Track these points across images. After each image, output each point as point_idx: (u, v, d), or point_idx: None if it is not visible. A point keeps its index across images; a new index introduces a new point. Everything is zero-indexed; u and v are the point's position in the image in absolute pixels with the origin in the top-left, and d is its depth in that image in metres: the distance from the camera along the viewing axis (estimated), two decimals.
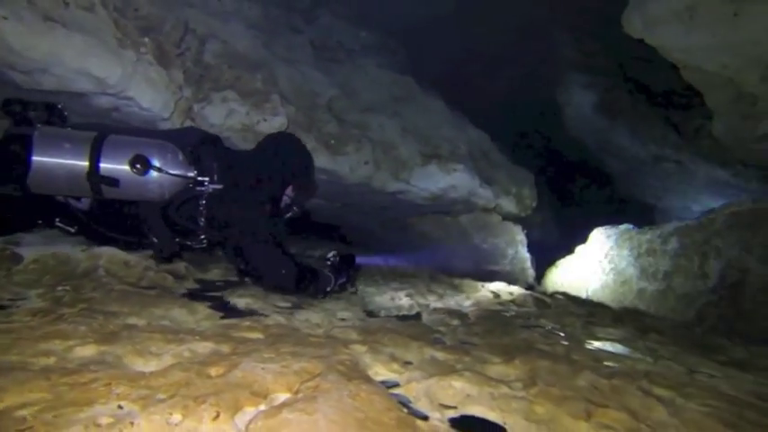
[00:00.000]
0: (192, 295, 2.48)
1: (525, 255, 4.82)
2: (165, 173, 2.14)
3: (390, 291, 3.34)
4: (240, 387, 1.22)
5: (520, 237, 4.73)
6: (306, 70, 4.24)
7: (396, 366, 1.67)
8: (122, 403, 1.01)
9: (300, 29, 4.85)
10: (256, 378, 1.27)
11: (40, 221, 2.37)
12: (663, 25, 3.00)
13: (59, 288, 1.94)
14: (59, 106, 2.18)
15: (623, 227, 4.86)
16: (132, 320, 1.79)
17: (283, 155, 2.61)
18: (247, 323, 1.97)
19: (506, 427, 1.32)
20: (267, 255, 2.36)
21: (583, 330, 2.72)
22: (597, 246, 4.92)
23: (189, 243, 2.50)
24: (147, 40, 2.67)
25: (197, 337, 1.63)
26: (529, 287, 4.47)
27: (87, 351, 1.28)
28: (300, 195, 2.74)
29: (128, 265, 2.55)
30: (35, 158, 1.99)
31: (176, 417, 1.02)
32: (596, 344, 2.40)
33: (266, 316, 2.25)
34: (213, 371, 1.33)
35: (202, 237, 2.46)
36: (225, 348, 1.55)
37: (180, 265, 2.92)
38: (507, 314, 2.95)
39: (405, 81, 4.83)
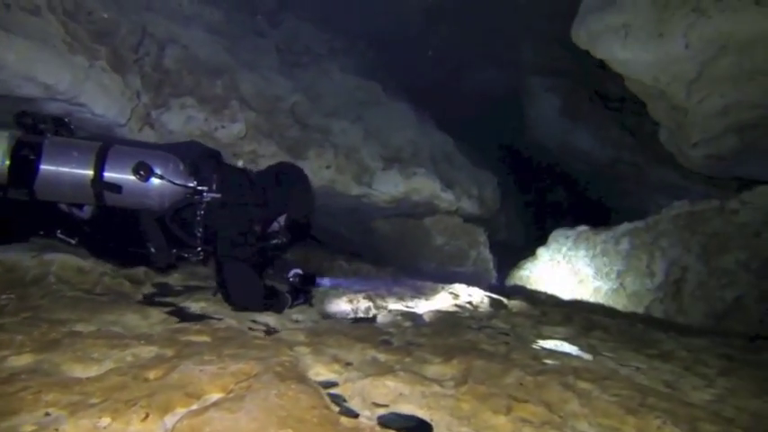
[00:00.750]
0: (149, 300, 2.50)
1: (488, 256, 4.97)
2: (166, 181, 2.23)
3: (350, 293, 3.42)
4: (175, 389, 1.28)
5: (482, 238, 4.87)
6: (269, 75, 4.27)
7: (336, 367, 1.75)
8: (50, 410, 1.05)
9: (265, 33, 4.88)
10: (192, 380, 1.33)
11: (41, 232, 2.44)
12: (603, 39, 3.18)
13: (3, 297, 1.94)
14: (66, 120, 2.29)
15: (580, 228, 5.05)
16: (79, 327, 1.81)
17: (285, 183, 2.68)
18: (197, 327, 2.01)
19: (432, 423, 1.41)
20: (239, 274, 2.41)
21: (531, 330, 2.85)
22: (556, 247, 5.11)
23: (186, 255, 2.55)
24: (100, 45, 2.66)
25: (143, 342, 1.68)
26: (491, 288, 4.61)
27: (22, 360, 1.31)
28: (291, 227, 2.79)
29: (82, 272, 2.55)
30: (43, 166, 2.09)
31: (105, 420, 1.07)
32: (541, 342, 2.53)
33: (219, 320, 2.29)
34: (152, 374, 1.39)
35: (199, 249, 2.51)
36: (169, 352, 1.60)
37: (139, 271, 2.93)
38: (461, 315, 3.07)
39: (369, 85, 4.92)
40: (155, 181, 2.22)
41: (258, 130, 3.73)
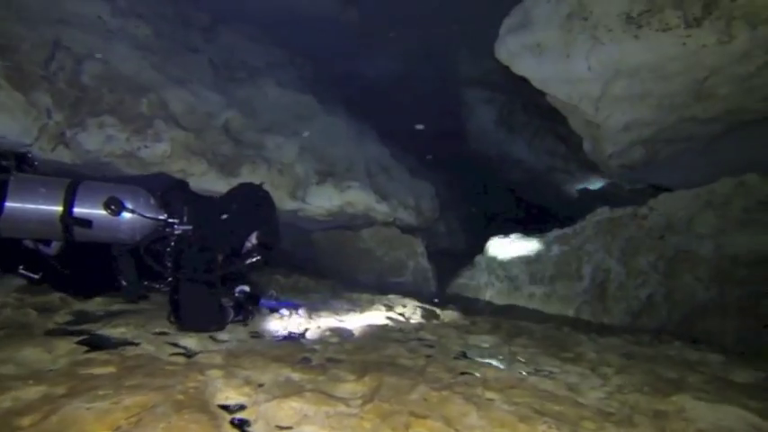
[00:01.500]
0: (60, 330, 2.39)
1: (426, 266, 5.08)
2: (137, 214, 2.26)
3: (284, 308, 3.39)
4: None
5: (420, 248, 4.97)
6: (201, 91, 4.20)
7: (247, 390, 1.74)
8: None
9: (199, 48, 4.79)
10: (76, 421, 1.29)
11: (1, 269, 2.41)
12: (521, 58, 3.36)
13: None
14: (29, 155, 2.28)
15: (514, 236, 5.27)
16: None
17: (250, 204, 2.75)
18: (105, 357, 1.94)
19: None
20: (194, 297, 2.43)
21: (457, 341, 2.92)
22: (492, 254, 5.29)
23: (156, 285, 2.56)
24: None
25: (30, 382, 1.60)
26: (429, 298, 4.71)
27: None
28: (262, 244, 2.84)
29: None
30: (8, 203, 2.06)
31: None
32: (465, 352, 2.61)
33: (137, 345, 2.22)
34: (27, 420, 1.32)
35: (170, 279, 2.49)
36: (59, 390, 1.53)
37: (53, 297, 2.79)
38: (391, 328, 3.12)
39: (306, 100, 4.93)
40: (126, 215, 2.26)
41: (187, 148, 3.66)
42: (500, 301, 5.13)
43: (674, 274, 4.12)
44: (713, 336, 3.90)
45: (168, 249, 2.44)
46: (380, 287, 4.57)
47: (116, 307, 2.97)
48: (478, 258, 5.35)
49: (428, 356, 2.41)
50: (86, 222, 2.17)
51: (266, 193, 2.90)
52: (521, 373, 2.27)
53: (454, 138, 7.67)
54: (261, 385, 1.80)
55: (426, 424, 1.53)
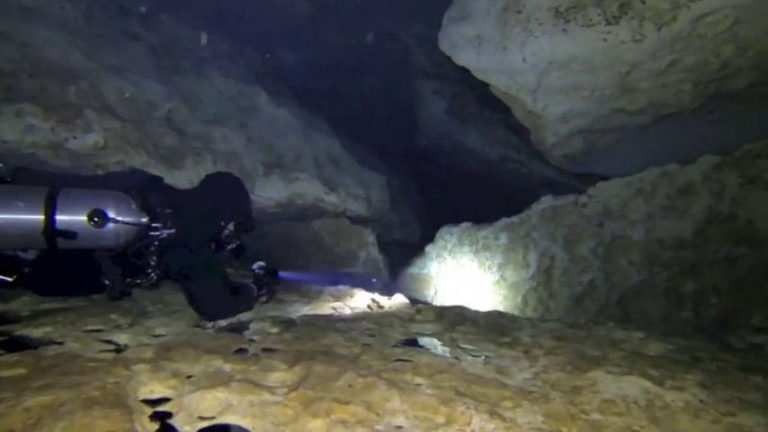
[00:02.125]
0: None
1: (377, 256, 5.12)
2: (120, 223, 2.30)
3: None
4: None
5: (370, 239, 5.01)
6: (141, 81, 4.04)
7: (173, 382, 1.72)
8: None
9: (138, 35, 4.59)
10: None
11: None
12: (461, 49, 3.42)
13: None
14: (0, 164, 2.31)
15: (463, 225, 5.39)
16: None
17: (223, 194, 2.85)
18: (16, 358, 1.86)
19: (253, 431, 1.45)
20: (204, 290, 2.61)
21: (398, 329, 2.97)
22: (442, 243, 5.40)
23: (138, 281, 2.59)
24: None
25: None
26: (379, 288, 4.75)
27: None
28: (239, 229, 2.96)
29: None
30: None
31: None
32: (403, 340, 2.66)
33: (60, 344, 2.14)
34: None
35: (152, 274, 2.55)
36: None
37: None
38: (334, 318, 3.14)
39: (252, 91, 4.83)
40: (110, 224, 2.27)
41: (125, 139, 3.51)
42: (450, 289, 5.24)
43: (612, 258, 4.34)
44: (645, 315, 4.16)
45: (152, 249, 2.50)
46: (333, 278, 4.57)
47: (45, 306, 2.85)
48: (428, 248, 5.44)
49: (366, 345, 2.44)
50: (71, 234, 2.18)
51: (237, 179, 3.02)
52: (455, 358, 2.34)
53: (407, 129, 7.73)
54: (189, 377, 1.79)
55: (348, 409, 1.56)
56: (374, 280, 4.61)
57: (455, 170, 8.54)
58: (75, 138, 3.00)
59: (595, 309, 4.40)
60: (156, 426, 1.41)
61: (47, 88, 3.06)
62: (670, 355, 2.51)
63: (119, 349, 2.14)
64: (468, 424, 1.49)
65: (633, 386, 1.77)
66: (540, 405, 1.64)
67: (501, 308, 4.89)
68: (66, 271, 2.53)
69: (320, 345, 2.36)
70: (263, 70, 5.92)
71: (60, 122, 2.98)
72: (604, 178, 4.50)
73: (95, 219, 2.22)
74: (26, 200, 2.13)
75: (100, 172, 3.33)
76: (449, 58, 3.75)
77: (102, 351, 2.10)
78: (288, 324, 2.86)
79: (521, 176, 7.67)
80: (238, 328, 2.73)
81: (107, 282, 2.52)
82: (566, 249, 4.55)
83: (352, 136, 6.26)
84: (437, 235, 5.44)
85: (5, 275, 2.32)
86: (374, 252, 5.00)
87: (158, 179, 2.78)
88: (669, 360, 2.37)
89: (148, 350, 2.08)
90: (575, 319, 3.86)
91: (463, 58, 3.43)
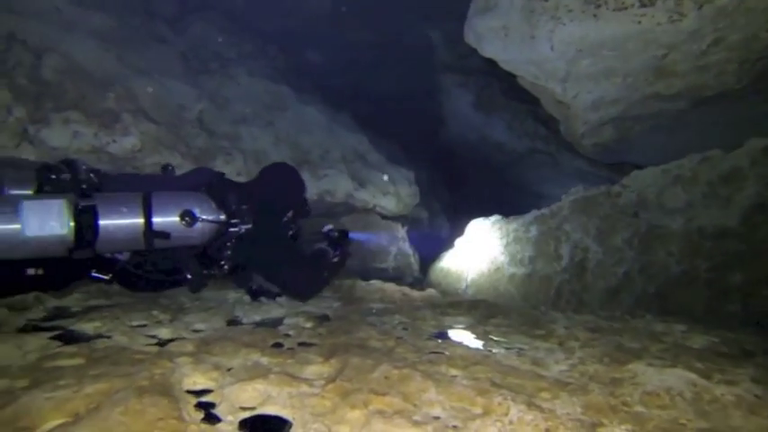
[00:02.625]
0: (33, 327, 2.41)
1: (408, 251, 5.13)
2: (206, 222, 2.51)
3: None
4: (5, 424, 1.26)
5: (401, 234, 5.01)
6: (172, 84, 4.16)
7: (215, 374, 1.78)
8: None
9: (167, 38, 4.73)
10: (32, 410, 1.31)
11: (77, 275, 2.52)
12: (487, 40, 3.37)
13: None
14: (96, 169, 2.38)
15: (494, 218, 5.33)
16: None
17: (283, 184, 3.10)
18: (73, 350, 1.97)
19: (292, 421, 1.48)
20: (298, 276, 2.88)
21: (431, 322, 2.97)
22: (473, 237, 5.35)
23: (214, 272, 2.79)
24: None
25: None
26: (413, 282, 4.76)
27: None
28: (298, 216, 3.18)
29: None
30: (102, 223, 2.22)
31: None
32: (436, 333, 2.66)
33: (108, 338, 2.25)
34: None
35: (225, 266, 2.76)
36: (21, 383, 1.56)
37: (28, 297, 2.81)
38: (367, 312, 3.16)
39: (278, 90, 4.91)
40: (198, 223, 2.48)
41: (159, 141, 3.64)
42: (482, 282, 5.20)
43: (648, 249, 4.21)
44: (685, 307, 4.01)
45: (228, 244, 2.69)
46: (364, 273, 4.61)
47: (93, 302, 3.00)
48: (458, 241, 5.41)
49: (399, 338, 2.45)
50: (165, 234, 2.39)
51: (293, 168, 3.24)
52: (489, 350, 2.33)
53: (433, 123, 7.68)
54: (229, 370, 1.84)
55: (385, 400, 1.57)
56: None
57: (482, 163, 8.45)
58: (114, 142, 3.13)
59: (631, 301, 4.27)
60: (201, 414, 1.46)
61: (87, 95, 3.20)
62: (716, 348, 2.42)
63: (161, 343, 2.22)
64: (506, 414, 1.48)
65: (678, 379, 1.71)
66: (578, 396, 1.61)
67: (533, 300, 4.82)
68: (155, 268, 2.67)
69: (354, 338, 2.39)
70: (286, 68, 6.00)
71: (101, 127, 3.12)
72: (639, 168, 4.37)
73: (186, 219, 2.41)
74: (128, 205, 2.32)
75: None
76: (473, 51, 3.71)
77: (146, 344, 2.18)
78: (321, 319, 2.91)
79: (550, 168, 7.52)
80: (273, 324, 2.80)
81: (189, 276, 2.68)
82: (599, 241, 4.43)
83: (378, 132, 6.26)
84: (467, 228, 5.40)
85: (103, 274, 2.48)
86: (405, 247, 5.01)
87: (221, 175, 2.88)
88: (715, 353, 2.29)
89: (189, 344, 2.15)
90: (610, 312, 3.75)
91: (490, 49, 3.39)
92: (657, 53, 2.87)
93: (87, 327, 2.39)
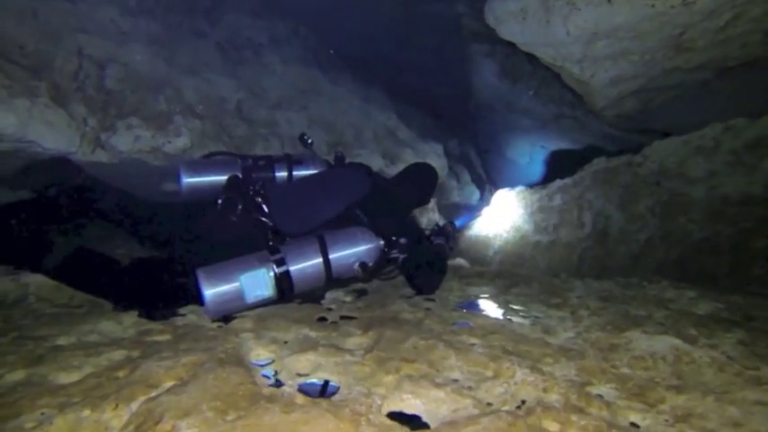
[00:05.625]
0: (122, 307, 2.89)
1: (438, 221, 5.43)
2: (372, 267, 2.69)
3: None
4: (138, 383, 1.69)
5: (431, 204, 5.31)
6: (212, 77, 4.49)
7: (274, 347, 2.17)
8: (44, 411, 1.47)
9: (205, 32, 5.02)
10: (152, 374, 1.75)
11: None
12: (506, 23, 3.50)
13: None
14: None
15: (518, 188, 5.52)
16: (61, 341, 2.19)
17: (418, 180, 3.31)
18: (161, 327, 2.42)
19: (339, 385, 1.87)
20: (429, 278, 3.10)
21: (457, 293, 3.30)
22: (498, 206, 5.58)
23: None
24: (39, 81, 2.90)
25: (114, 347, 2.09)
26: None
27: (16, 376, 1.71)
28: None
29: (58, 288, 2.92)
30: (292, 270, 2.51)
31: (86, 412, 1.49)
32: (460, 304, 2.99)
33: (183, 316, 2.70)
34: (121, 373, 1.80)
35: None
36: (135, 353, 2.01)
37: None
38: (399, 284, 3.52)
39: (311, 73, 5.16)
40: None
41: (205, 135, 4.02)
42: (507, 250, 5.47)
43: (670, 216, 4.34)
44: (707, 273, 4.17)
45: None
46: None
47: None
48: (485, 210, 5.65)
49: (427, 309, 2.79)
50: (336, 279, 2.65)
51: (433, 169, 3.38)
52: (508, 319, 2.64)
53: (462, 92, 7.74)
54: (285, 343, 2.24)
55: (413, 366, 1.93)
56: None
57: (510, 130, 8.49)
58: (169, 142, 3.52)
59: (654, 267, 4.46)
60: (267, 381, 1.86)
61: (144, 100, 3.58)
62: (718, 314, 2.64)
63: (226, 320, 2.65)
64: (513, 377, 1.81)
65: (663, 344, 2.00)
66: (575, 361, 1.93)
67: (557, 268, 5.07)
68: None
69: (388, 312, 2.74)
70: (317, 48, 6.19)
71: (157, 130, 3.51)
72: (666, 135, 4.43)
73: (362, 270, 2.63)
74: (310, 249, 2.58)
75: None
76: None
77: (214, 322, 2.62)
78: (359, 293, 3.29)
79: (577, 132, 7.51)
80: (316, 298, 3.20)
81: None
82: (621, 209, 4.59)
83: (409, 102, 6.44)
84: (493, 198, 5.63)
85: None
86: (435, 217, 5.32)
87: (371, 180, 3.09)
88: (715, 319, 2.52)
89: (248, 322, 2.55)
90: (630, 278, 3.97)
91: (508, 32, 3.51)
92: (674, 32, 2.95)
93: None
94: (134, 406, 1.55)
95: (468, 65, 7.16)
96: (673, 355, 1.92)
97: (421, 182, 3.30)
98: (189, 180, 2.84)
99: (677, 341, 2.00)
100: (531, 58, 7.27)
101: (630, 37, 2.99)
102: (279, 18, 6.05)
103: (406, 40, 7.34)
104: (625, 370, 1.84)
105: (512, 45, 7.29)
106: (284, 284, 2.52)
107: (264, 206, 2.78)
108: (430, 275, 3.10)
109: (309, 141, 3.12)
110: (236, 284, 2.42)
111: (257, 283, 2.48)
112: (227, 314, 2.50)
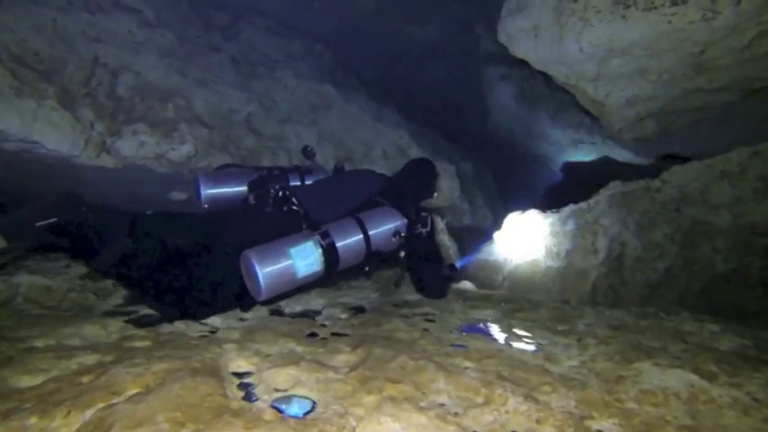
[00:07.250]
0: (113, 311, 2.84)
1: (447, 243, 5.27)
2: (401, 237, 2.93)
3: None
4: (101, 389, 1.60)
5: (441, 226, 5.16)
6: (223, 89, 4.53)
7: (256, 360, 2.07)
8: None
9: (220, 47, 5.10)
10: (118, 380, 1.65)
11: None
12: (518, 41, 3.42)
13: None
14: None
15: (530, 211, 5.34)
16: (38, 343, 2.12)
17: (424, 180, 3.61)
18: (144, 334, 2.33)
19: (317, 402, 1.74)
20: (434, 280, 3.33)
21: (459, 315, 3.14)
22: (509, 230, 5.40)
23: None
24: (48, 84, 2.94)
25: (89, 351, 2.00)
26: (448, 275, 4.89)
27: None
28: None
29: (49, 291, 2.88)
30: (339, 245, 2.69)
31: (32, 420, 1.39)
32: (461, 326, 2.83)
33: (171, 323, 2.61)
34: (86, 378, 1.71)
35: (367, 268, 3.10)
36: (109, 358, 1.92)
37: (107, 283, 3.27)
38: (399, 303, 3.38)
39: (322, 89, 5.16)
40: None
41: (211, 145, 4.01)
42: (518, 274, 5.25)
43: (692, 245, 4.10)
44: (734, 306, 3.89)
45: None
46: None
47: None
48: (497, 234, 5.47)
49: (425, 330, 2.65)
50: (379, 254, 2.87)
51: (431, 163, 3.69)
52: (508, 344, 2.47)
53: (478, 114, 7.68)
54: (268, 356, 2.12)
55: (398, 388, 1.78)
56: None
57: (527, 154, 8.35)
58: (173, 149, 3.51)
59: (674, 297, 4.20)
60: (241, 393, 1.74)
61: (152, 107, 3.61)
62: (744, 351, 2.41)
63: (213, 331, 2.55)
64: (504, 405, 1.65)
65: (677, 379, 1.80)
66: (576, 391, 1.75)
67: (569, 294, 4.82)
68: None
69: (383, 330, 2.61)
70: (331, 66, 6.24)
71: (162, 137, 3.51)
72: (687, 160, 4.23)
73: (398, 236, 2.88)
74: (351, 229, 2.77)
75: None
76: None
77: (200, 332, 2.53)
78: (357, 310, 3.16)
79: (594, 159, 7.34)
80: (312, 314, 3.09)
81: (367, 268, 3.04)
82: (638, 235, 4.37)
83: (423, 123, 6.39)
84: (504, 222, 5.46)
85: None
86: (444, 239, 5.17)
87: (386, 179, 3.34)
88: (740, 356, 2.29)
89: (236, 333, 2.46)
90: (646, 308, 3.73)
91: (521, 50, 3.44)
92: (694, 50, 2.82)
93: (155, 313, 2.79)
94: (88, 414, 1.45)
95: (485, 86, 7.11)
96: (688, 391, 1.72)
97: (421, 175, 3.54)
98: (209, 191, 2.90)
99: (694, 377, 1.80)
100: (549, 80, 7.23)
101: (647, 55, 2.87)
102: (295, 36, 6.14)
103: (421, 60, 7.37)
104: (631, 404, 1.65)
105: (529, 67, 7.28)
106: (331, 258, 2.63)
107: (294, 198, 2.89)
108: (437, 278, 3.23)
109: (313, 153, 3.21)
110: (288, 260, 2.48)
111: (307, 255, 2.54)
112: (278, 293, 2.56)
